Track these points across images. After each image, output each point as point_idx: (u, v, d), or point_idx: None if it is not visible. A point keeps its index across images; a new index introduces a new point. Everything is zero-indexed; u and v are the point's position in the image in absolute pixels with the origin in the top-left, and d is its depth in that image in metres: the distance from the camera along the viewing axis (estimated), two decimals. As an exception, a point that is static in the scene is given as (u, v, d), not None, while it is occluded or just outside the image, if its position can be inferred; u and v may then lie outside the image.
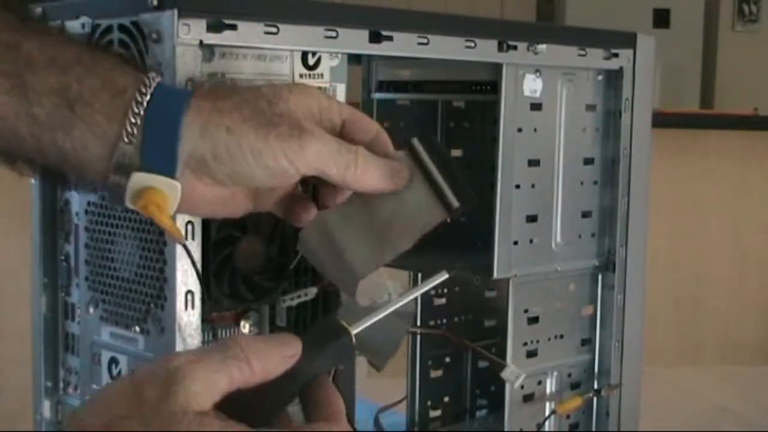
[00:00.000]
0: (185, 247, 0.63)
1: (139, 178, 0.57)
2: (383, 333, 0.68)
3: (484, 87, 0.92)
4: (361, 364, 0.89)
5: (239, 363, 0.51)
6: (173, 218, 0.59)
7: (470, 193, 0.61)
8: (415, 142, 0.62)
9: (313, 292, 0.73)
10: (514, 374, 0.82)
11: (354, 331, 0.55)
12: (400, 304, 0.59)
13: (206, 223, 0.67)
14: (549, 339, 0.91)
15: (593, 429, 0.95)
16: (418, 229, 0.62)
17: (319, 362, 0.54)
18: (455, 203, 0.60)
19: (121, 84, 0.58)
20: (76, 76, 0.57)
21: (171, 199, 0.58)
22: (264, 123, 0.58)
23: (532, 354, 0.90)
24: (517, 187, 0.86)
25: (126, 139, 0.57)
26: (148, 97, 0.57)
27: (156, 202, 0.57)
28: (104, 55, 0.59)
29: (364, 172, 0.60)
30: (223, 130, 0.57)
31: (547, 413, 0.91)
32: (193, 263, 0.64)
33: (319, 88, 0.74)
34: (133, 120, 0.57)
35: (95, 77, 0.57)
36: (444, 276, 0.61)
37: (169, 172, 0.57)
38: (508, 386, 0.88)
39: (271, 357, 0.52)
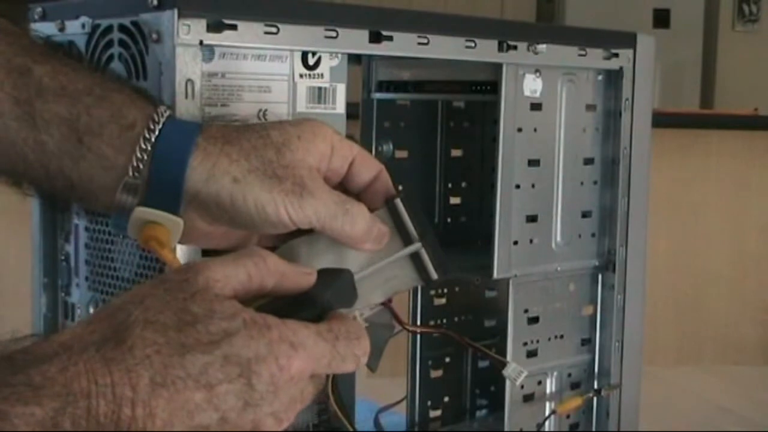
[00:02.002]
0: None
1: (142, 213, 0.58)
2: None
3: (484, 87, 0.92)
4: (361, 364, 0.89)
5: (256, 259, 0.54)
6: (174, 251, 0.60)
7: (447, 264, 0.63)
8: (398, 203, 0.63)
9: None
10: (516, 372, 0.82)
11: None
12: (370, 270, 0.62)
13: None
14: (549, 339, 0.91)
15: (593, 429, 0.95)
16: (392, 289, 0.63)
17: (332, 291, 0.57)
18: (434, 275, 0.62)
19: (131, 118, 0.58)
20: (86, 106, 0.57)
21: (173, 235, 0.59)
22: (270, 175, 0.58)
23: (532, 354, 0.90)
24: (517, 187, 0.86)
25: (132, 174, 0.57)
26: (157, 133, 0.58)
27: (158, 237, 0.58)
28: (116, 86, 0.60)
29: (355, 223, 0.61)
30: (230, 179, 0.58)
31: (547, 413, 0.91)
32: None
33: (319, 88, 0.74)
34: (140, 156, 0.57)
35: (105, 109, 0.58)
36: (415, 248, 0.62)
37: (173, 209, 0.58)
38: (508, 386, 0.88)
39: (287, 265, 0.56)
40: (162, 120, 0.58)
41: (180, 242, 0.61)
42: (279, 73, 0.72)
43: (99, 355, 0.47)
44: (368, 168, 0.65)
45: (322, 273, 0.58)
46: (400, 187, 0.65)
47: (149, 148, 0.57)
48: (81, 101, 0.57)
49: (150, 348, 0.48)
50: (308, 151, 0.60)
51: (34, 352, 0.47)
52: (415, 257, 0.63)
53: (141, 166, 0.57)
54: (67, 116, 0.57)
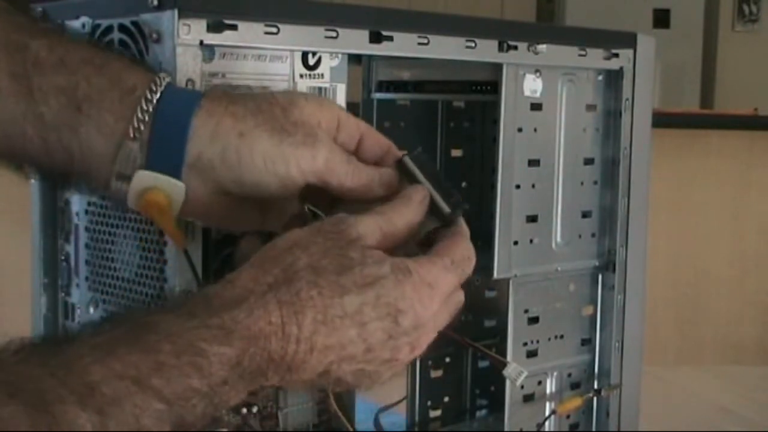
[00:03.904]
0: (186, 252, 0.63)
1: (143, 177, 0.57)
2: None
3: (484, 87, 0.92)
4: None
5: (386, 218, 0.59)
6: (177, 222, 0.59)
7: (459, 200, 0.63)
8: (406, 159, 0.64)
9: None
10: (516, 372, 0.82)
11: None
12: None
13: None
14: (549, 339, 0.91)
15: (593, 429, 0.95)
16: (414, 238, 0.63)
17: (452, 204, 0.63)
18: (446, 209, 0.62)
19: (131, 83, 0.57)
20: (85, 75, 0.57)
21: (174, 201, 0.57)
22: (278, 129, 0.58)
23: (532, 354, 0.90)
24: (518, 187, 0.86)
25: (132, 135, 0.56)
26: (158, 95, 0.57)
27: (157, 203, 0.57)
28: (114, 56, 0.59)
29: (360, 176, 0.61)
30: (236, 134, 0.57)
31: (547, 413, 0.91)
32: (193, 269, 0.64)
33: (319, 88, 0.74)
34: (141, 116, 0.56)
35: (104, 77, 0.57)
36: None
37: (174, 172, 0.57)
38: (508, 386, 0.88)
39: (409, 215, 0.60)
40: (163, 83, 0.58)
41: (185, 214, 0.59)
42: (279, 73, 0.72)
43: (274, 298, 0.53)
44: (378, 145, 0.64)
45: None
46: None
47: (150, 109, 0.56)
48: (80, 71, 0.57)
49: (314, 290, 0.54)
50: (314, 113, 0.60)
51: (224, 296, 0.52)
52: (430, 202, 0.63)
53: (142, 128, 0.56)
54: (65, 86, 0.56)
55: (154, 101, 0.57)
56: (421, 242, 0.62)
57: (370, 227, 0.58)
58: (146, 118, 0.56)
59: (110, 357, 0.47)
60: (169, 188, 0.57)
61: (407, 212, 0.60)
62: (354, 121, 0.63)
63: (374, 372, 0.57)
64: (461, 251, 0.61)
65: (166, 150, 0.57)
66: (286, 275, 0.54)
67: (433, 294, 0.58)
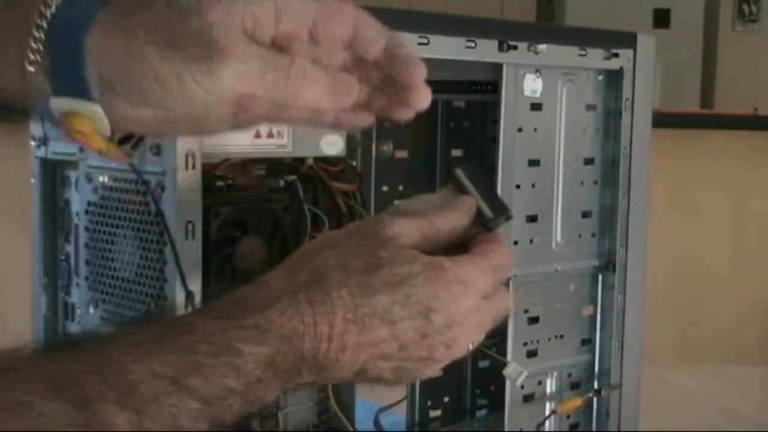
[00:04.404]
0: (132, 166, 0.61)
1: (58, 104, 0.52)
2: None
3: (484, 87, 0.92)
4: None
5: (430, 221, 0.59)
6: (110, 140, 0.54)
7: (505, 208, 0.64)
8: (458, 172, 0.64)
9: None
10: (516, 372, 0.82)
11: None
12: None
13: (206, 223, 0.67)
14: (549, 339, 0.91)
15: (593, 429, 0.95)
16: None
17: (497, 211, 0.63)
18: (489, 214, 0.63)
19: (23, 7, 0.52)
20: None
21: (95, 123, 0.53)
22: (171, 44, 0.50)
23: (532, 354, 0.90)
24: (518, 187, 0.86)
25: (29, 65, 0.51)
26: (49, 17, 0.51)
27: (78, 128, 0.53)
28: None
29: (299, 87, 0.53)
30: (124, 53, 0.50)
31: (547, 413, 0.91)
32: (169, 236, 0.63)
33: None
34: (34, 45, 0.51)
35: (9, 10, 0.52)
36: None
37: (84, 94, 0.52)
38: (508, 386, 0.88)
39: (452, 218, 0.60)
40: (54, 2, 0.51)
41: (120, 130, 0.55)
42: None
43: (305, 297, 0.53)
44: (365, 42, 0.58)
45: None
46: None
47: (42, 36, 0.51)
48: None
49: (344, 289, 0.54)
50: (228, 12, 0.51)
51: (258, 297, 0.53)
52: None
53: (38, 56, 0.51)
54: None
55: (45, 25, 0.51)
56: (462, 245, 0.62)
57: (408, 228, 0.58)
58: (39, 46, 0.51)
59: (149, 357, 0.47)
60: (86, 110, 0.52)
61: (452, 218, 0.60)
62: (302, 6, 0.53)
63: (412, 369, 0.57)
64: (500, 256, 0.60)
65: (67, 74, 0.51)
66: (316, 275, 0.55)
67: (467, 293, 0.57)
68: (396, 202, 0.65)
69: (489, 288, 0.59)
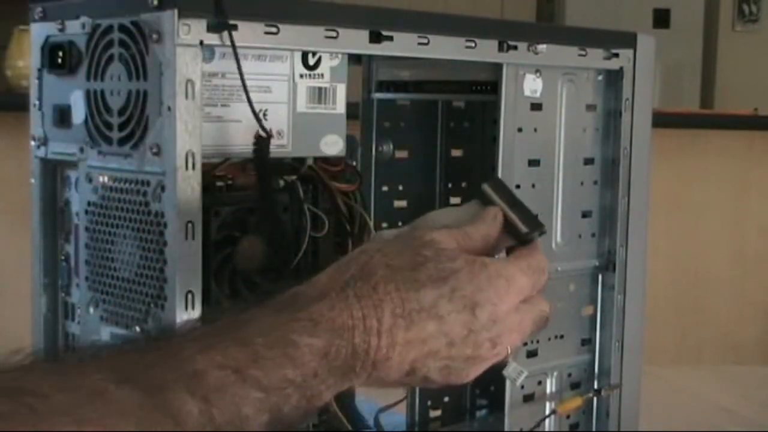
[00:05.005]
0: None
1: None
2: None
3: (484, 87, 0.92)
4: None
5: (462, 232, 0.62)
6: None
7: (538, 222, 0.66)
8: (486, 187, 0.66)
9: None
10: (516, 371, 0.81)
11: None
12: None
13: (206, 223, 0.67)
14: (549, 339, 0.91)
15: (593, 429, 0.95)
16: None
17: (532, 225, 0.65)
18: (524, 229, 0.65)
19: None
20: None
21: None
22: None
23: (532, 354, 0.90)
24: (518, 187, 0.86)
25: None
26: None
27: None
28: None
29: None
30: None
31: (547, 413, 0.91)
32: None
33: (319, 88, 0.74)
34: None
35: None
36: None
37: None
38: (508, 386, 0.88)
39: (486, 229, 0.63)
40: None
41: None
42: (279, 73, 0.72)
43: (352, 293, 0.55)
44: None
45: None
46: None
47: None
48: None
49: (390, 285, 0.56)
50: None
51: (308, 293, 0.56)
52: (509, 224, 0.65)
53: None
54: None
55: None
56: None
57: (444, 236, 0.60)
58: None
59: (211, 349, 0.50)
60: None
61: (482, 227, 0.63)
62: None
63: (459, 369, 0.59)
64: (537, 260, 0.62)
65: None
66: (362, 272, 0.57)
67: (509, 288, 0.59)
68: (425, 215, 0.66)
69: (528, 288, 0.61)
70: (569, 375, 0.93)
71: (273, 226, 0.71)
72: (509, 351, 0.61)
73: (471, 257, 0.60)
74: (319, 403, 0.54)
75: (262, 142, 0.69)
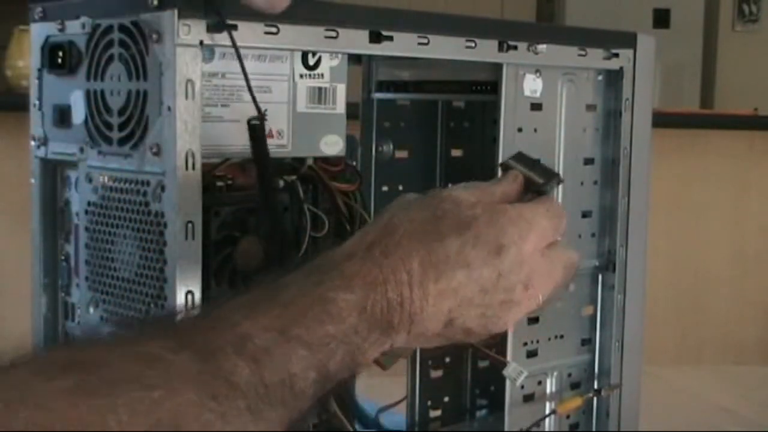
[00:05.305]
0: None
1: None
2: None
3: (484, 87, 0.92)
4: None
5: (481, 188, 0.64)
6: None
7: (552, 171, 0.68)
8: (508, 160, 0.68)
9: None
10: (516, 372, 0.82)
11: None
12: None
13: (206, 223, 0.67)
14: (549, 339, 0.91)
15: (593, 429, 0.95)
16: None
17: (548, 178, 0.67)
18: (540, 180, 0.66)
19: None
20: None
21: None
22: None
23: (532, 354, 0.90)
24: (517, 187, 0.86)
25: None
26: None
27: None
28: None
29: None
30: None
31: (547, 413, 0.91)
32: None
33: (319, 88, 0.74)
34: None
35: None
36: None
37: None
38: (508, 386, 0.88)
39: (507, 186, 0.65)
40: None
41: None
42: (279, 73, 0.72)
43: (378, 249, 0.57)
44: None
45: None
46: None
47: None
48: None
49: (414, 239, 0.58)
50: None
51: (335, 257, 0.57)
52: (527, 181, 0.67)
53: None
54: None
55: None
56: None
57: (462, 191, 0.62)
58: None
59: (255, 313, 0.52)
60: None
61: (502, 184, 0.65)
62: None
63: (495, 316, 0.60)
64: (555, 205, 0.64)
65: None
66: (386, 231, 0.58)
67: (531, 229, 0.61)
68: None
69: (549, 231, 0.63)
70: (569, 375, 0.93)
71: (273, 219, 0.70)
72: (543, 298, 0.62)
73: (489, 204, 0.61)
74: (364, 362, 0.56)
75: (257, 128, 0.68)
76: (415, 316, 0.57)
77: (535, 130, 0.87)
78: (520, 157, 0.68)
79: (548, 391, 0.92)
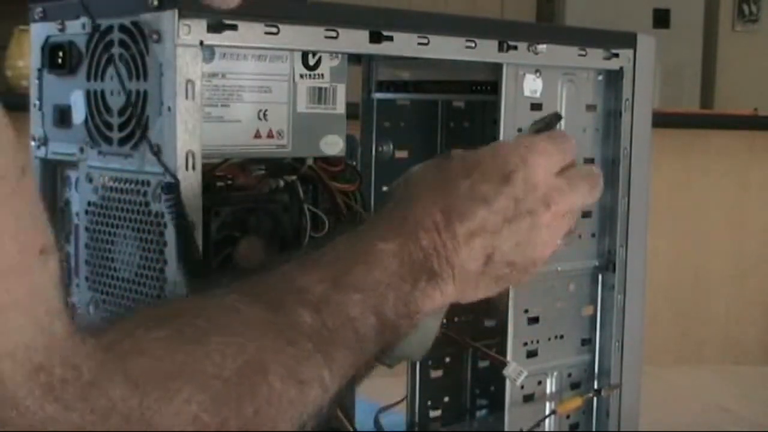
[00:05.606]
0: None
1: None
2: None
3: (484, 87, 0.92)
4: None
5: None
6: None
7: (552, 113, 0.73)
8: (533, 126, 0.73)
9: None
10: (516, 371, 0.82)
11: None
12: None
13: (206, 223, 0.67)
14: (549, 339, 0.91)
15: (593, 429, 0.95)
16: None
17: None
18: (538, 119, 0.72)
19: None
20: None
21: None
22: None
23: (532, 354, 0.90)
24: (517, 187, 0.86)
25: None
26: None
27: None
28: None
29: None
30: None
31: (547, 413, 0.91)
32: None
33: (319, 88, 0.74)
34: None
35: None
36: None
37: None
38: (508, 386, 0.88)
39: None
40: None
41: None
42: (279, 73, 0.72)
43: (402, 209, 0.61)
44: None
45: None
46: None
47: None
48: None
49: (429, 192, 0.62)
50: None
51: (366, 222, 0.63)
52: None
53: None
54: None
55: None
56: None
57: (464, 151, 0.65)
58: None
59: (309, 269, 0.57)
60: None
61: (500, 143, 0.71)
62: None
63: (530, 242, 0.63)
64: (557, 132, 0.69)
65: None
66: (401, 195, 0.63)
67: (532, 151, 0.64)
68: None
69: (554, 152, 0.65)
70: (569, 375, 0.93)
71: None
72: (573, 214, 0.65)
73: (492, 143, 0.66)
74: (419, 311, 0.59)
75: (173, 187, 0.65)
76: (452, 259, 0.60)
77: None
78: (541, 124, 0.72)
79: (548, 391, 0.92)
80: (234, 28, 0.66)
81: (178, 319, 0.50)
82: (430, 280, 0.59)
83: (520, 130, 0.85)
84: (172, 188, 0.64)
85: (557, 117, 0.72)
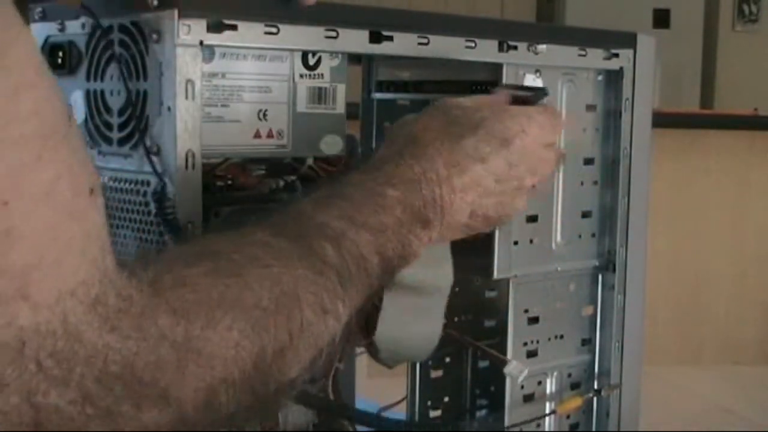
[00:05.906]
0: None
1: None
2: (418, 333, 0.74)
3: (484, 87, 0.92)
4: (361, 363, 0.89)
5: (479, 100, 0.73)
6: None
7: (536, 87, 0.78)
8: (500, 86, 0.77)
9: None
10: (517, 369, 0.82)
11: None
12: None
13: (206, 223, 0.67)
14: (549, 339, 0.91)
15: (593, 429, 0.95)
16: None
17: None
18: (526, 93, 0.74)
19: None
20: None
21: None
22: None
23: (532, 354, 0.90)
24: (517, 187, 0.86)
25: None
26: None
27: None
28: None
29: None
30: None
31: (547, 413, 0.91)
32: None
33: (319, 88, 0.74)
34: None
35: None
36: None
37: None
38: (508, 386, 0.88)
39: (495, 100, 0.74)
40: None
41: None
42: (279, 73, 0.72)
43: (407, 154, 0.65)
44: None
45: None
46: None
47: None
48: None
49: (436, 142, 0.66)
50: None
51: (370, 166, 0.65)
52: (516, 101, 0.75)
53: None
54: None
55: None
56: None
57: (462, 100, 0.71)
58: None
59: (327, 206, 0.60)
60: None
61: (493, 96, 0.74)
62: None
63: (509, 203, 0.70)
64: (551, 108, 0.74)
65: None
66: (409, 139, 0.67)
67: (530, 122, 0.69)
68: None
69: (548, 126, 0.71)
70: (569, 375, 0.93)
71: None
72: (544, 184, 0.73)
73: (493, 106, 0.70)
74: (412, 253, 0.63)
75: (162, 193, 0.68)
76: (446, 210, 0.65)
77: (535, 130, 0.87)
78: (509, 85, 0.78)
79: (548, 391, 0.92)
80: (234, 28, 0.66)
81: (214, 254, 0.53)
82: (424, 227, 0.64)
83: (520, 130, 0.85)
84: (159, 194, 0.65)
85: (544, 93, 0.75)
